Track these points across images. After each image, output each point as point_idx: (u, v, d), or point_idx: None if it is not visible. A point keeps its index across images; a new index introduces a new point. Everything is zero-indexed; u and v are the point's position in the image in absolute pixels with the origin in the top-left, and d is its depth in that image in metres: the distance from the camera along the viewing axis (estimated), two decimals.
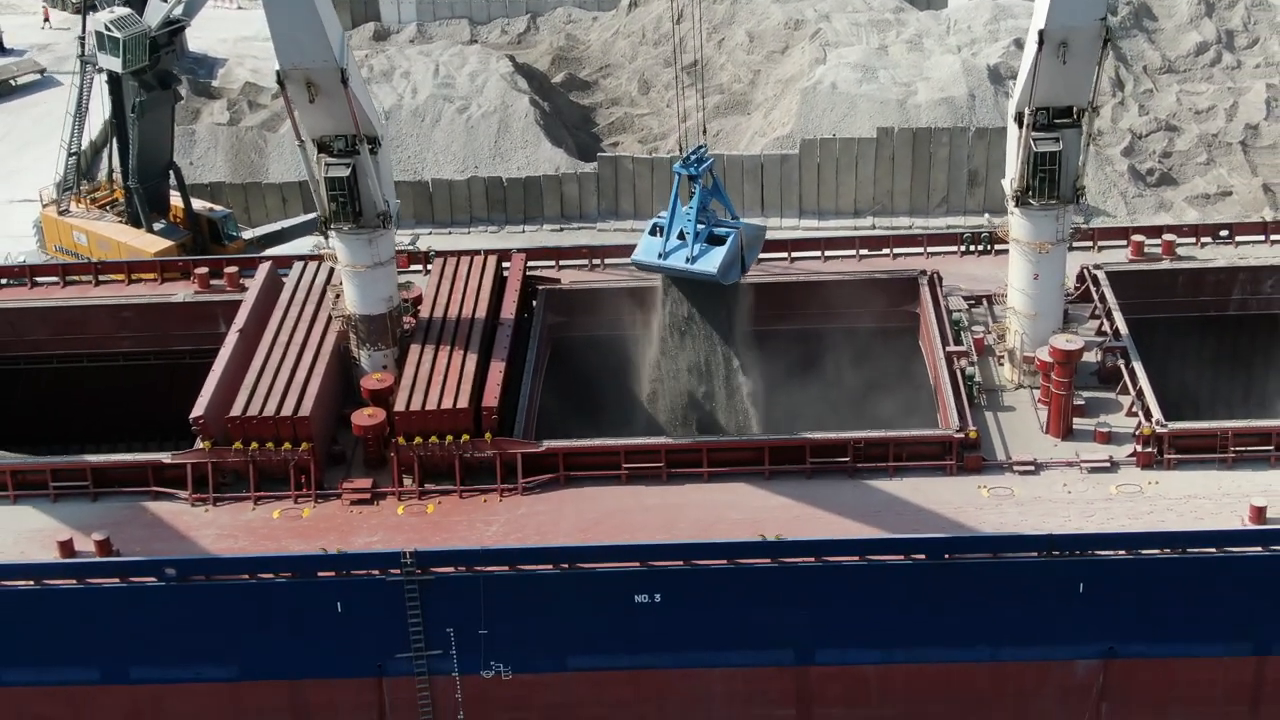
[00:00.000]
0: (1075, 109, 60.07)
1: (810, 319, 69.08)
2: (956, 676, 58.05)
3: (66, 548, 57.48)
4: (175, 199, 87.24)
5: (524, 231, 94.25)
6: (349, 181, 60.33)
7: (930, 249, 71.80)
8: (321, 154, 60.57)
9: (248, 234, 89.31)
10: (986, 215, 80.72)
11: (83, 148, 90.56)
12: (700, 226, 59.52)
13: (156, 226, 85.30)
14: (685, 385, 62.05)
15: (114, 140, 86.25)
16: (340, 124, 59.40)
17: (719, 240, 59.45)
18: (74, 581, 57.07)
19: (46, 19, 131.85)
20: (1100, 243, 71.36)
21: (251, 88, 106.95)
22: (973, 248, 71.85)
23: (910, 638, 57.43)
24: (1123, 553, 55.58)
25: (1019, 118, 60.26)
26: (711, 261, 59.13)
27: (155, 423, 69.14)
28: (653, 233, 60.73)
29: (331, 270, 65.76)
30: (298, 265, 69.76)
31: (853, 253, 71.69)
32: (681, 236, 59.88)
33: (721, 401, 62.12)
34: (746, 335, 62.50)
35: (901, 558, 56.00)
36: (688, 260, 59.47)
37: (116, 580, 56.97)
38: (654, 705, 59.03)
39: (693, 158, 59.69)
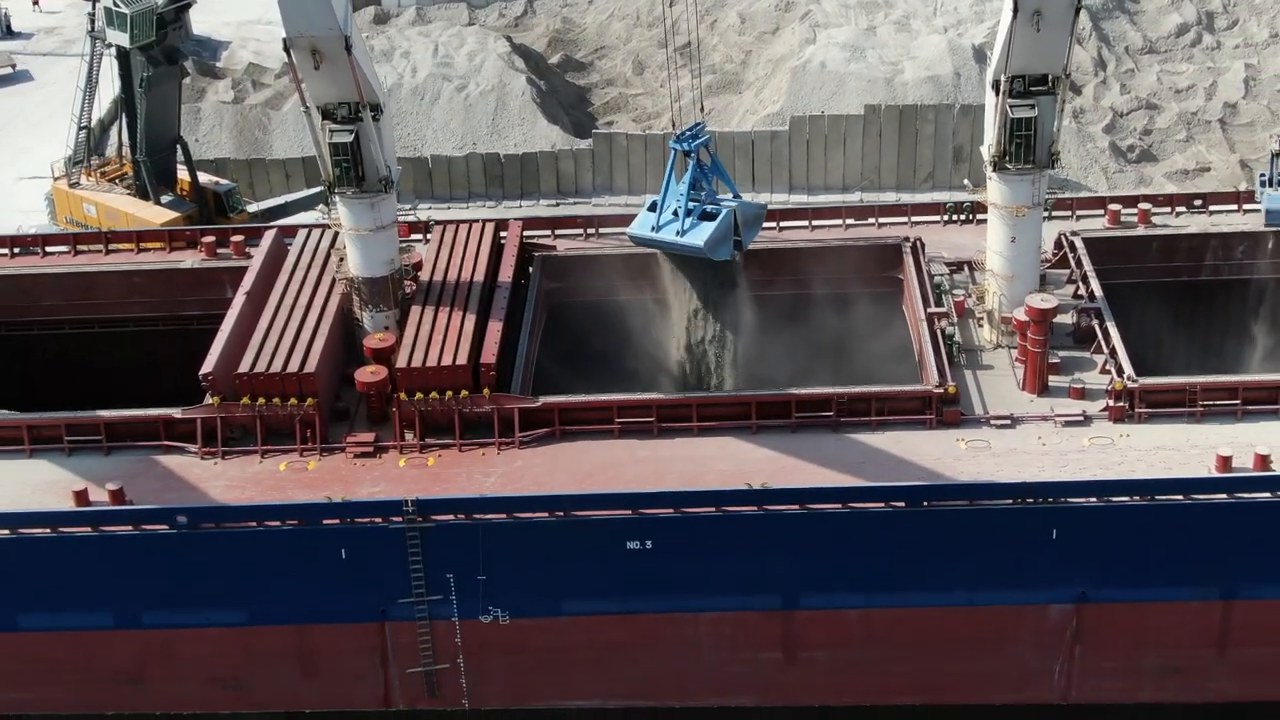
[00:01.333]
0: (1050, 77, 62.41)
1: (799, 284, 71.31)
2: (935, 620, 60.31)
3: (81, 497, 59.67)
4: (182, 172, 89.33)
5: (521, 206, 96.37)
6: (352, 147, 62.60)
7: (914, 218, 74.09)
8: (326, 121, 62.78)
9: (252, 207, 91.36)
10: (966, 180, 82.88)
11: (92, 122, 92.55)
12: (693, 204, 61.84)
13: (164, 199, 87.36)
14: (679, 344, 64.64)
15: (123, 115, 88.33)
16: (344, 91, 61.58)
17: (713, 217, 61.75)
18: (89, 529, 59.24)
19: (36, 2, 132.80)
20: (1078, 212, 73.67)
21: (255, 68, 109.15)
22: (955, 217, 74.23)
23: (891, 583, 59.70)
24: (1094, 500, 57.87)
25: (996, 85, 62.63)
26: (699, 236, 61.46)
27: (164, 386, 71.03)
28: (651, 209, 63.16)
29: (335, 235, 68.03)
30: (302, 232, 72.03)
31: (839, 222, 74.00)
32: (677, 212, 62.29)
33: (711, 362, 64.57)
34: (745, 302, 64.79)
35: (882, 505, 58.29)
36: (678, 234, 61.84)
37: (129, 528, 59.11)
38: (645, 648, 61.26)
39: (687, 133, 61.94)
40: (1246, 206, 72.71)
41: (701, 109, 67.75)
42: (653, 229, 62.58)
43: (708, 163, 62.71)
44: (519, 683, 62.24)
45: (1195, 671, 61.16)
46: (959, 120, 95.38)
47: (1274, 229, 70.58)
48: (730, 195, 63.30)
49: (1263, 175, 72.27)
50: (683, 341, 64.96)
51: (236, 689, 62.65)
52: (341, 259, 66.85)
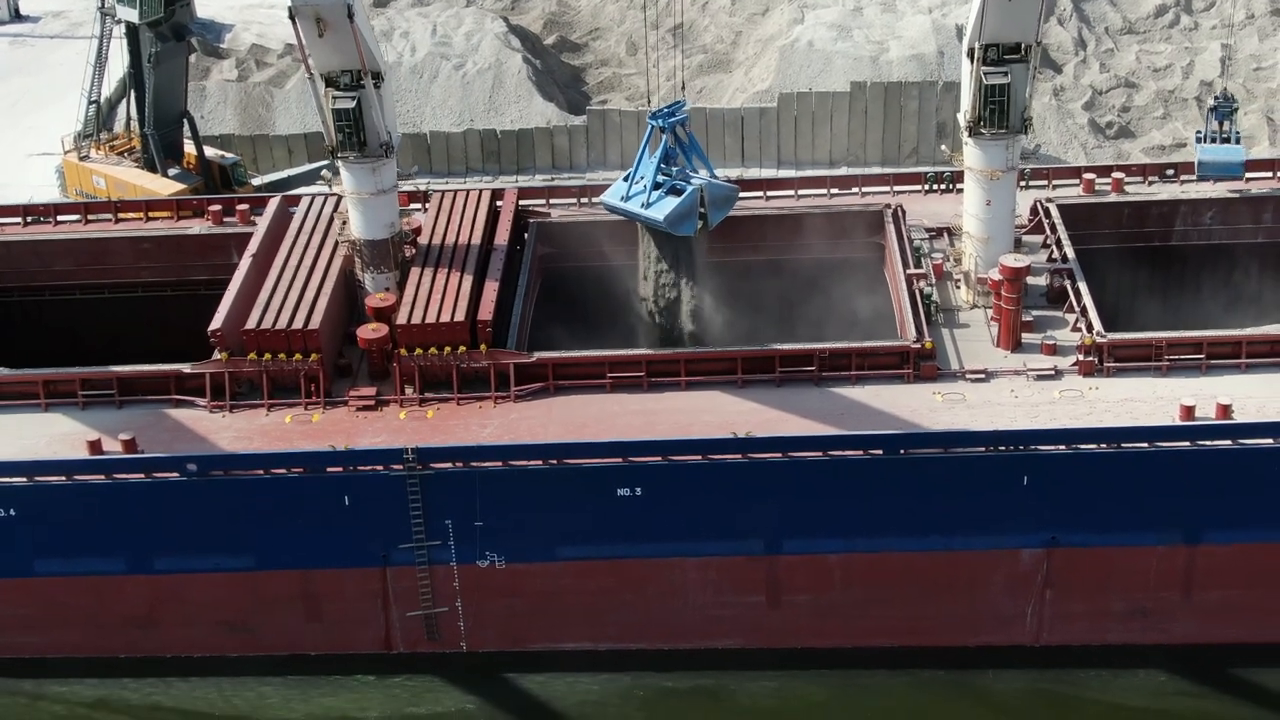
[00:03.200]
0: (1023, 45, 65.00)
1: (784, 249, 73.98)
2: (912, 564, 62.86)
3: (95, 447, 62.18)
4: (189, 146, 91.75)
5: (517, 180, 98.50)
6: (355, 113, 65.15)
7: (896, 188, 76.63)
8: (329, 88, 65.34)
9: (256, 181, 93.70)
10: (944, 147, 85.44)
11: (102, 97, 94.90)
12: (664, 179, 64.46)
13: (171, 172, 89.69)
14: (652, 305, 67.16)
15: (131, 90, 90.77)
16: (347, 59, 64.07)
17: (680, 193, 64.37)
18: (102, 477, 61.68)
19: None
20: (1054, 181, 76.23)
21: (258, 48, 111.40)
22: (935, 187, 76.82)
23: (870, 528, 62.26)
24: (1063, 448, 60.43)
25: (971, 53, 65.26)
26: (661, 210, 64.20)
27: (172, 349, 73.12)
28: (628, 179, 65.86)
29: (338, 200, 70.59)
30: (306, 199, 74.62)
31: (824, 191, 76.55)
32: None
33: (679, 320, 67.00)
34: (706, 268, 67.06)
35: (861, 453, 60.90)
36: (643, 205, 64.51)
37: (141, 475, 61.55)
38: (635, 592, 63.83)
39: (665, 110, 64.58)
40: None
41: (682, 88, 70.34)
42: (622, 198, 65.33)
43: (685, 140, 65.29)
44: (514, 626, 64.75)
45: (1161, 614, 63.69)
46: (942, 97, 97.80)
47: (1207, 180, 73.44)
48: (706, 174, 65.71)
49: (1198, 130, 74.87)
50: (652, 303, 67.23)
51: (243, 632, 65.18)
52: (344, 223, 69.41)
